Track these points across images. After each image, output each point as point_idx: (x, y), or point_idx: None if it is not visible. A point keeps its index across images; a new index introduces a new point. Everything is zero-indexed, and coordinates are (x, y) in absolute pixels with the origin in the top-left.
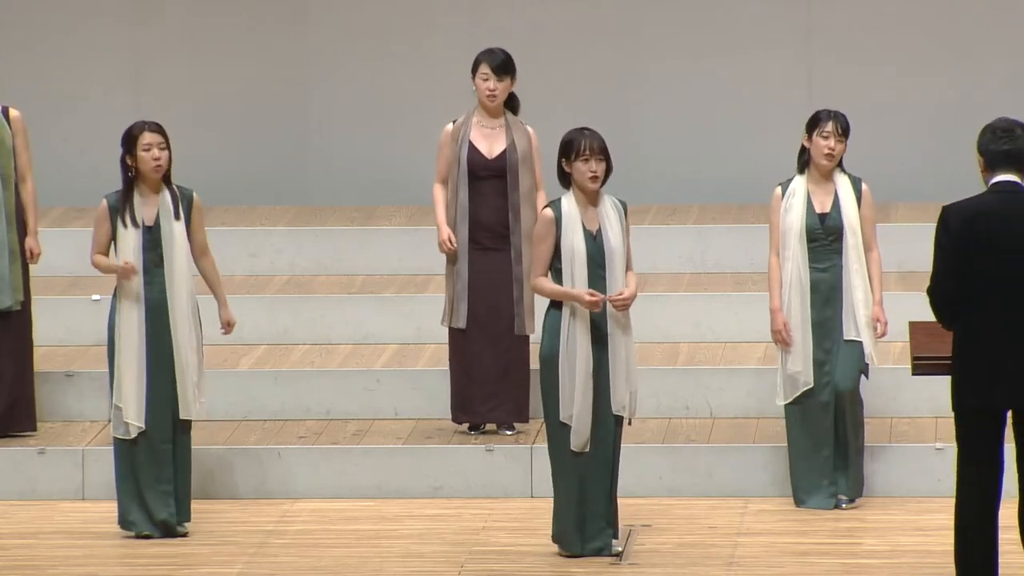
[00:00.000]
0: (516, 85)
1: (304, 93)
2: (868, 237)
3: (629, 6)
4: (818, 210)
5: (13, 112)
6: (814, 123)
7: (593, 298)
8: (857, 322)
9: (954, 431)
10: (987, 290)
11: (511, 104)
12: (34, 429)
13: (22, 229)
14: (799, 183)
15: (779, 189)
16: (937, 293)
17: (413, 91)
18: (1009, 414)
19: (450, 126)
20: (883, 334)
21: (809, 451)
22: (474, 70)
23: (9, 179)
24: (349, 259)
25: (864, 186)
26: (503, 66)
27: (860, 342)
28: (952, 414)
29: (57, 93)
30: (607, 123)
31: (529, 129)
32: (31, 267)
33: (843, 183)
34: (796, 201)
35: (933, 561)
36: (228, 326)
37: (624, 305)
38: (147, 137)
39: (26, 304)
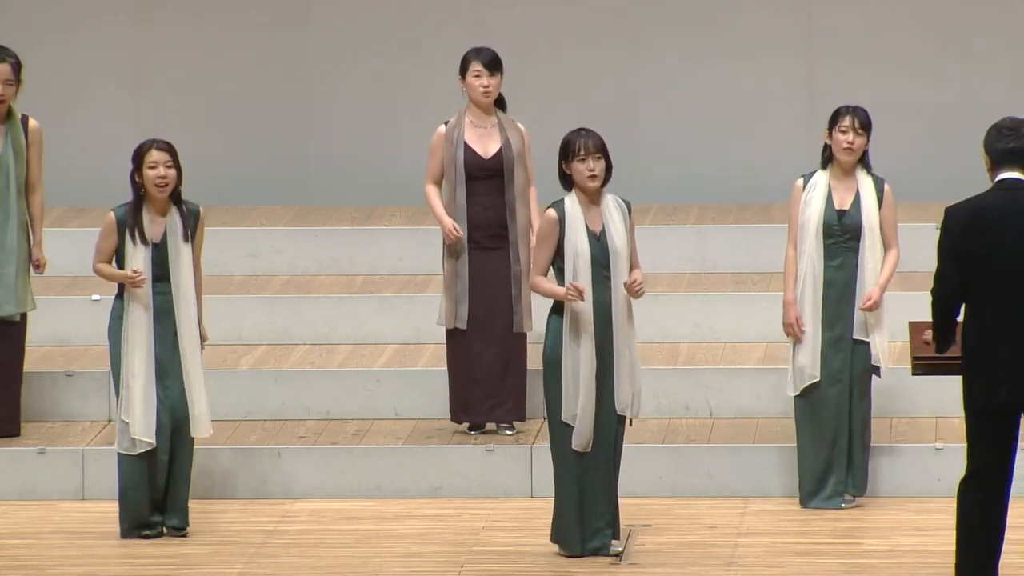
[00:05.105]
0: (516, 85)
1: (304, 93)
2: (888, 237)
3: (629, 6)
4: (837, 206)
5: (32, 123)
6: (834, 119)
7: (572, 291)
8: (868, 323)
9: (964, 429)
10: (993, 287)
11: (499, 103)
12: (18, 433)
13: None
14: (821, 177)
15: (800, 180)
16: (937, 295)
17: (413, 91)
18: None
19: (442, 128)
20: (868, 309)
21: (816, 445)
22: (463, 70)
23: (23, 188)
24: (349, 259)
25: (887, 187)
26: (494, 62)
27: (868, 343)
28: (962, 413)
29: (57, 93)
30: (607, 123)
31: (521, 126)
32: (33, 275)
33: (866, 182)
34: (816, 195)
35: (933, 561)
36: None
37: (639, 289)
38: (153, 155)
39: (24, 314)
